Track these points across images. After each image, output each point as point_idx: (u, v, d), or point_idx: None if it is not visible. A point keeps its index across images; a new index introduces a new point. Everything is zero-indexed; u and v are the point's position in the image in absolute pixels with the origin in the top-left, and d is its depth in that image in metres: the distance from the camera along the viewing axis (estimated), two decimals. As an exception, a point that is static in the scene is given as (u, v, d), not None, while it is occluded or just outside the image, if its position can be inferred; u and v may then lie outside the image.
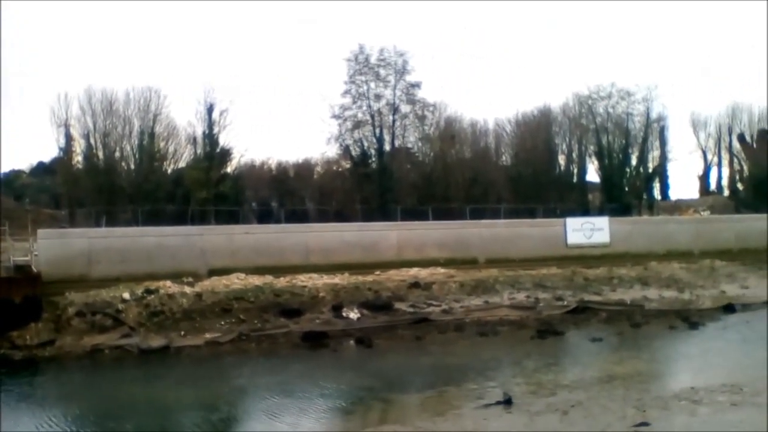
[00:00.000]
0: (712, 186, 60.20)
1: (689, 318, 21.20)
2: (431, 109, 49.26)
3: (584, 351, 17.94)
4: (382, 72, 47.03)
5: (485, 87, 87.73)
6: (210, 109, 47.14)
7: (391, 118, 47.44)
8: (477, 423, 10.57)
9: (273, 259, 25.23)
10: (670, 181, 57.55)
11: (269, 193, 53.59)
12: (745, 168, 57.84)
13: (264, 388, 14.58)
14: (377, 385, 14.36)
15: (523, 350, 17.54)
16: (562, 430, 9.90)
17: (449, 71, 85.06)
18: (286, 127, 79.02)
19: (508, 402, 11.75)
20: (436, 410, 12.15)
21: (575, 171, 54.76)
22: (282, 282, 23.30)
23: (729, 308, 22.83)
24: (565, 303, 23.31)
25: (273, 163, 56.29)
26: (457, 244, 28.60)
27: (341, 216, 39.15)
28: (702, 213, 46.55)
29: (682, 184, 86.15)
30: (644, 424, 9.72)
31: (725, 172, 60.31)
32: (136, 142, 47.32)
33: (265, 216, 45.77)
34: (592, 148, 53.06)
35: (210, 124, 47.25)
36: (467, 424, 10.48)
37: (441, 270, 26.13)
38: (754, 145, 57.20)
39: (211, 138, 47.30)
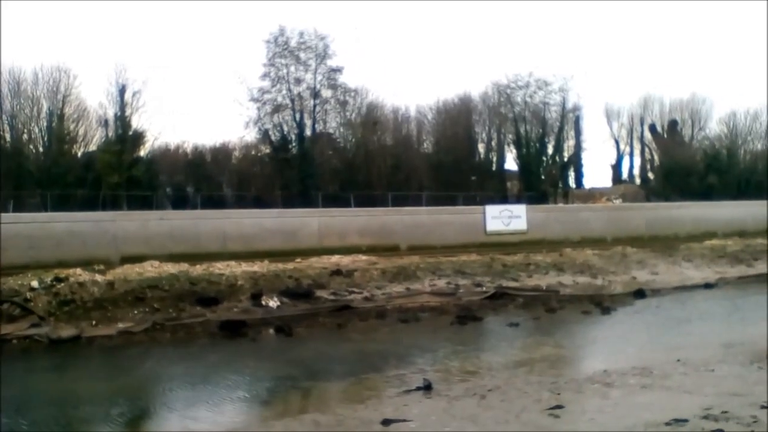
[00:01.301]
0: (624, 175, 62.47)
1: (602, 303, 21.86)
2: (353, 94, 49.12)
3: (502, 336, 18.21)
4: (303, 55, 46.48)
5: (407, 73, 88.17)
6: (122, 91, 45.47)
7: (312, 102, 46.96)
8: (397, 409, 10.55)
9: (189, 246, 24.60)
10: (585, 169, 59.44)
11: (185, 178, 52.15)
12: (656, 157, 60.21)
13: (179, 379, 14.14)
14: (297, 374, 14.15)
15: (444, 336, 17.67)
16: (479, 414, 9.98)
17: (371, 57, 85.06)
18: (203, 110, 77.32)
19: (428, 387, 11.80)
20: (357, 397, 12.09)
21: (494, 159, 55.73)
22: (198, 270, 22.69)
23: (639, 293, 23.68)
24: (484, 289, 23.64)
25: (189, 146, 54.79)
26: (380, 231, 28.63)
27: (260, 202, 38.57)
28: (614, 201, 48.30)
29: (596, 173, 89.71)
30: (559, 406, 9.89)
31: (637, 161, 62.71)
32: (45, 124, 45.24)
33: (180, 202, 44.61)
34: (510, 136, 54.09)
35: (122, 106, 45.57)
36: (387, 411, 10.44)
37: (363, 257, 26.07)
38: (665, 135, 59.58)
39: (123, 120, 45.60)
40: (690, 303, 22.43)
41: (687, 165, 53.36)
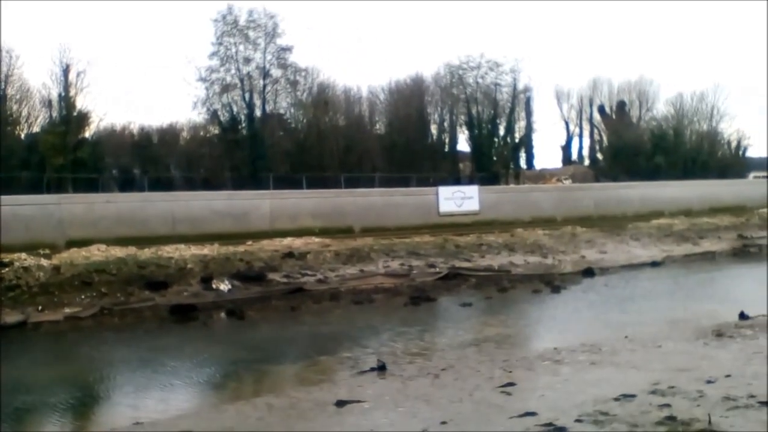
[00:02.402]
0: (574, 156, 63.28)
1: (552, 282, 22.18)
2: (303, 74, 48.52)
3: (455, 316, 18.34)
4: (252, 34, 45.66)
5: (358, 53, 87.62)
6: (66, 71, 44.00)
7: (261, 82, 46.25)
8: (351, 390, 10.53)
9: (136, 229, 24.08)
10: (536, 150, 59.99)
11: (131, 160, 50.98)
12: (605, 138, 61.17)
13: (128, 364, 13.86)
14: (250, 357, 14.05)
15: (397, 317, 17.71)
16: (432, 393, 10.01)
17: (322, 36, 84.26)
18: (150, 90, 75.46)
19: (381, 368, 11.79)
20: (311, 380, 12.05)
21: (447, 140, 55.83)
22: (146, 253, 22.23)
23: (588, 272, 24.09)
24: (438, 270, 23.74)
25: (135, 127, 53.52)
26: (332, 212, 28.47)
27: (209, 184, 37.91)
28: (564, 182, 48.99)
29: (547, 154, 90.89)
30: (510, 384, 9.99)
31: (586, 142, 63.57)
32: (-14, 105, 43.49)
33: (127, 184, 43.64)
34: (462, 117, 54.23)
35: (66, 86, 44.10)
36: (342, 392, 10.41)
37: (316, 239, 25.89)
38: (613, 117, 60.55)
39: (67, 101, 44.16)
40: (637, 281, 22.91)
41: (635, 145, 54.38)
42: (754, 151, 64.68)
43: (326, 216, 28.15)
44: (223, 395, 11.88)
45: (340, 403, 9.57)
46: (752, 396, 8.31)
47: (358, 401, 9.65)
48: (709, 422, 7.33)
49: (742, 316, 14.86)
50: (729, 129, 58.46)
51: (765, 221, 35.56)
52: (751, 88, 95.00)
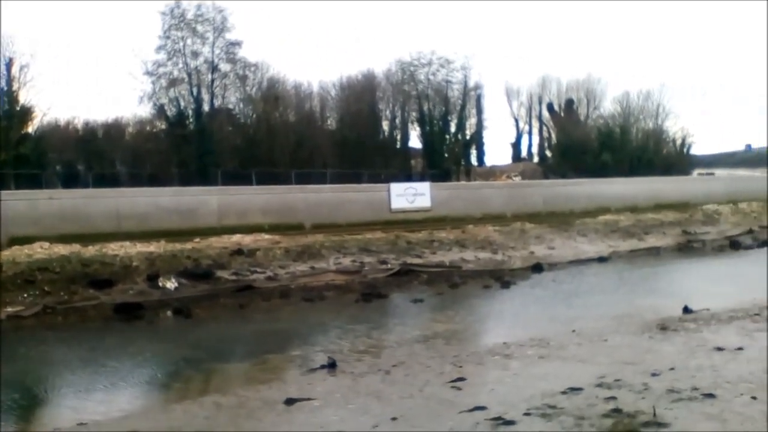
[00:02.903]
0: (524, 153, 64.24)
1: (502, 277, 22.36)
2: (253, 68, 48.02)
3: (406, 312, 18.35)
4: (200, 28, 44.99)
5: (309, 48, 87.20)
6: (8, 64, 42.69)
7: (209, 77, 45.60)
8: (301, 388, 10.42)
9: (80, 226, 23.44)
10: (486, 147, 60.67)
11: (76, 155, 49.65)
12: (553, 136, 62.08)
13: (71, 364, 13.50)
14: (197, 356, 13.79)
15: (349, 314, 17.62)
16: (383, 390, 9.98)
17: (271, 31, 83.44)
18: (95, 85, 73.58)
19: (332, 366, 11.71)
20: (260, 378, 11.87)
21: (398, 137, 55.94)
22: (91, 251, 21.66)
23: (537, 268, 24.38)
24: (389, 266, 23.73)
25: (79, 122, 52.15)
26: (283, 209, 28.19)
27: (156, 180, 37.10)
28: (514, 178, 49.56)
29: (497, 151, 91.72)
30: (461, 379, 10.03)
31: (535, 139, 64.58)
32: (-74, 101, 41.82)
33: (71, 180, 42.46)
34: (414, 114, 54.40)
35: (9, 80, 42.82)
36: (291, 390, 10.29)
37: (265, 236, 25.57)
38: (562, 114, 61.52)
39: (9, 95, 42.84)
40: (584, 276, 23.29)
41: (582, 143, 55.29)
42: (698, 149, 66.68)
43: (276, 212, 27.85)
44: (169, 395, 11.65)
45: (290, 402, 9.45)
46: (696, 388, 8.47)
47: (308, 399, 9.55)
48: (654, 414, 7.45)
49: (686, 310, 15.21)
50: (674, 127, 59.93)
51: (708, 217, 36.60)
52: (694, 87, 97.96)
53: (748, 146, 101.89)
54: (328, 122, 54.75)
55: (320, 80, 58.60)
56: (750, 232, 34.15)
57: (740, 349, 10.69)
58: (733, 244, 30.22)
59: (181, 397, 11.03)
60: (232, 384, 11.85)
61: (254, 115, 49.18)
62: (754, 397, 7.94)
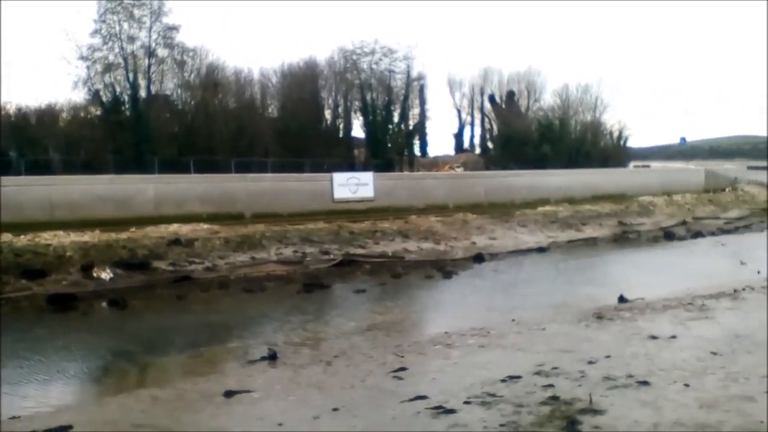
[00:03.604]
0: (466, 144, 64.52)
1: (444, 268, 22.53)
2: (191, 54, 46.76)
3: (349, 302, 18.33)
4: (137, 12, 43.54)
5: (249, 34, 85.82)
6: (-64, 49, 40.60)
7: (146, 62, 44.24)
8: (241, 380, 10.33)
9: (11, 215, 22.55)
10: (429, 138, 60.69)
11: (7, 142, 47.59)
12: (495, 127, 62.65)
13: (1, 356, 12.93)
14: (133, 348, 13.49)
15: (290, 305, 17.48)
16: (325, 381, 9.94)
17: (211, 15, 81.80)
18: (27, 69, 70.85)
19: (272, 357, 11.67)
20: (198, 370, 11.68)
21: (341, 126, 55.55)
22: (23, 240, 20.92)
23: (479, 258, 24.63)
24: (332, 256, 23.61)
25: (11, 108, 49.97)
26: (222, 198, 27.72)
27: (91, 167, 35.82)
28: (456, 169, 49.87)
29: (440, 142, 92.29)
30: (402, 369, 10.09)
31: (477, 130, 64.90)
32: None
33: (2, 167, 40.57)
34: (357, 103, 54.10)
35: (-64, 65, 40.77)
36: (231, 382, 10.19)
37: (204, 226, 25.07)
38: (503, 106, 62.13)
39: (-62, 80, 40.77)
40: (524, 266, 23.65)
41: (523, 135, 56.01)
42: (634, 142, 68.39)
43: (215, 202, 27.37)
44: (104, 388, 11.41)
45: (229, 394, 9.37)
46: (631, 376, 8.67)
47: (248, 391, 9.49)
48: (590, 401, 7.58)
49: (621, 299, 15.63)
50: (611, 120, 61.21)
51: (644, 209, 37.63)
52: (631, 81, 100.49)
53: (683, 139, 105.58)
54: (269, 110, 53.87)
55: (261, 67, 57.23)
56: (684, 223, 35.27)
57: (673, 337, 11.02)
58: (668, 235, 31.15)
59: (117, 391, 10.80)
60: (169, 377, 11.69)
61: (192, 102, 48.00)
62: (687, 385, 8.17)
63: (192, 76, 47.50)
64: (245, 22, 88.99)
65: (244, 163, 36.77)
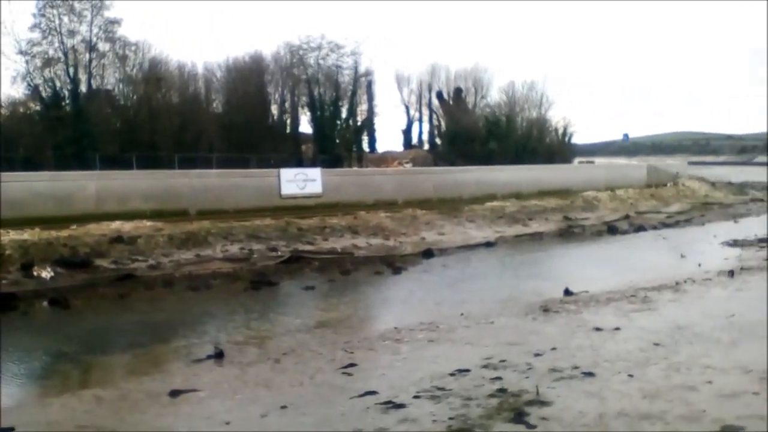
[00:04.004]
0: (415, 140, 64.75)
1: (394, 263, 22.55)
2: (133, 48, 45.71)
3: (297, 300, 18.21)
4: (77, 6, 42.31)
5: (193, 28, 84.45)
6: None
7: (87, 56, 43.06)
8: (187, 379, 10.20)
9: (-54, 213, 21.65)
10: (378, 134, 60.68)
11: (-57, 139, 45.88)
12: (443, 124, 63.03)
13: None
14: (75, 348, 13.16)
15: (236, 302, 17.27)
16: (273, 378, 9.88)
17: (153, 8, 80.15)
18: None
19: (219, 355, 11.55)
20: (143, 370, 11.49)
21: (288, 121, 55.03)
22: (-41, 239, 20.14)
23: (428, 253, 24.72)
24: (280, 253, 23.39)
25: (-53, 104, 48.13)
26: (166, 194, 27.13)
27: (30, 164, 34.69)
28: (405, 165, 49.96)
29: (389, 138, 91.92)
30: (352, 365, 10.10)
31: (426, 126, 65.18)
32: None
33: (-62, 165, 39.18)
34: (304, 99, 53.66)
35: None
36: (176, 381, 10.05)
37: (147, 223, 24.51)
38: (451, 103, 62.53)
39: None
40: (473, 261, 23.84)
41: (470, 131, 56.41)
42: (579, 138, 69.64)
43: (159, 198, 26.77)
44: (47, 389, 11.09)
45: (174, 393, 9.27)
46: (576, 367, 8.83)
47: (194, 390, 9.39)
48: (537, 393, 7.69)
49: (567, 292, 15.91)
50: (556, 117, 62.14)
51: (588, 204, 38.37)
52: (575, 79, 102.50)
53: (625, 136, 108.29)
54: (214, 105, 52.90)
55: (205, 61, 56.23)
56: (627, 217, 36.07)
57: (617, 329, 11.26)
58: (611, 229, 31.81)
59: (60, 392, 10.53)
60: (113, 377, 11.46)
61: (135, 97, 46.82)
62: (630, 375, 8.35)
63: (134, 70, 46.42)
64: (189, 16, 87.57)
65: (189, 159, 36.09)
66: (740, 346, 9.59)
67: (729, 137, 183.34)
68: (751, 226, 30.72)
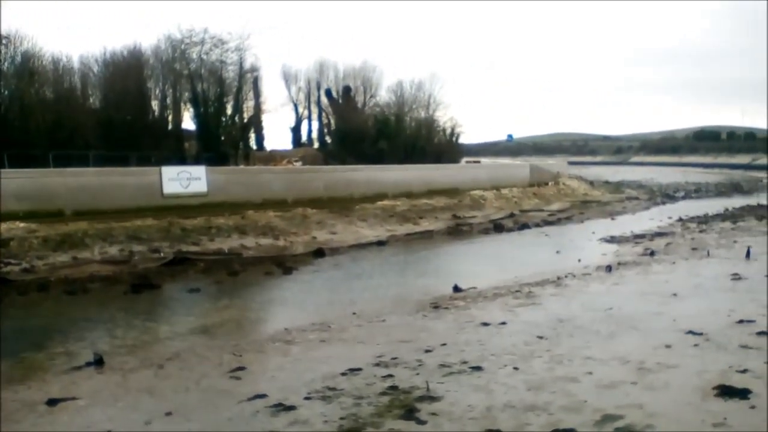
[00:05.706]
0: (304, 138, 64.31)
1: (284, 263, 22.23)
2: (4, 41, 42.88)
3: (181, 303, 17.67)
4: (-57, -4, 39.38)
5: (69, 20, 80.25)
6: None
7: (-47, 49, 40.17)
8: (65, 387, 9.71)
9: None
10: (266, 132, 59.81)
11: None
12: (332, 122, 62.95)
13: None
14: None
15: (116, 307, 16.52)
16: (156, 385, 9.52)
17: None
18: None
19: (99, 362, 11.03)
20: (17, 378, 10.76)
21: (170, 118, 53.13)
22: None
23: (319, 253, 24.59)
24: (162, 255, 22.57)
25: None
26: (40, 194, 25.55)
27: None
28: (295, 164, 49.52)
29: (277, 135, 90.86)
30: (240, 368, 9.91)
31: (315, 125, 64.86)
32: None
33: None
34: (187, 94, 52.00)
35: None
36: (54, 390, 9.56)
37: (20, 224, 23.01)
38: (340, 101, 62.55)
39: None
40: (365, 260, 23.92)
41: (360, 130, 56.61)
42: (466, 138, 71.48)
43: (32, 198, 25.17)
44: None
45: (52, 402, 8.82)
46: (465, 362, 9.02)
47: (73, 398, 8.97)
48: (428, 389, 7.78)
49: (456, 289, 16.25)
50: (444, 117, 63.44)
51: (475, 202, 39.41)
52: (462, 80, 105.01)
53: (510, 136, 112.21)
54: (91, 100, 50.39)
55: (81, 54, 53.05)
56: (511, 215, 37.34)
57: (503, 323, 11.60)
58: (497, 227, 32.77)
59: None
60: (-17, 386, 10.65)
61: (6, 93, 44.01)
62: (516, 368, 8.62)
63: (5, 64, 43.53)
64: (64, 5, 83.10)
65: (64, 157, 34.13)
66: (618, 338, 10.10)
67: (606, 138, 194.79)
68: (627, 223, 32.46)
